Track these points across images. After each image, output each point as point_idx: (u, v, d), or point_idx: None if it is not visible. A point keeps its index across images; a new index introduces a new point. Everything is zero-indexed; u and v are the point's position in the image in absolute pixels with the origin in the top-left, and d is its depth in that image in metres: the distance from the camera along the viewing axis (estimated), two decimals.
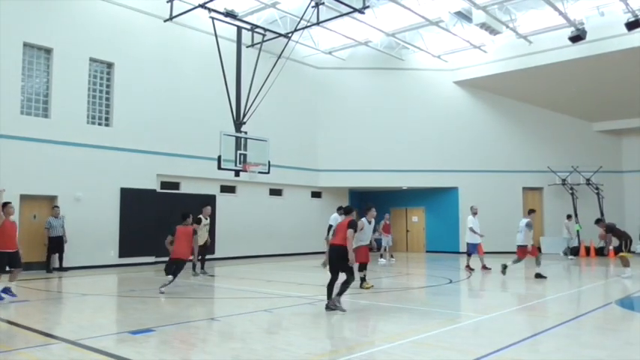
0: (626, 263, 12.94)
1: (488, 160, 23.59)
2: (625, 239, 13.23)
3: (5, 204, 9.60)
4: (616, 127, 23.57)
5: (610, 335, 6.81)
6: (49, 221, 14.67)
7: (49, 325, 7.34)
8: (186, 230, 10.92)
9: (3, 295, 9.30)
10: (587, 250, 21.09)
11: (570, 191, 22.62)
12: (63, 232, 14.78)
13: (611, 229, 13.32)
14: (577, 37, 17.75)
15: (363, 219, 10.89)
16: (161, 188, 18.02)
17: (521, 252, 13.21)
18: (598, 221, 13.68)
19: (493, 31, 17.79)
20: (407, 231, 25.53)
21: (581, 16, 18.49)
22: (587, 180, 22.53)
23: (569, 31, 18.06)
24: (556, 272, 15.47)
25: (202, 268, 13.96)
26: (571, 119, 23.89)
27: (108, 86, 16.78)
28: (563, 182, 22.67)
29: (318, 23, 15.04)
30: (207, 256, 14.26)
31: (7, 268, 9.46)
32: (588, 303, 9.78)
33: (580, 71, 20.62)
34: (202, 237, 13.73)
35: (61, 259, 14.84)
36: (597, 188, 22.42)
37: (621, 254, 13.14)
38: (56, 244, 14.66)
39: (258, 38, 15.91)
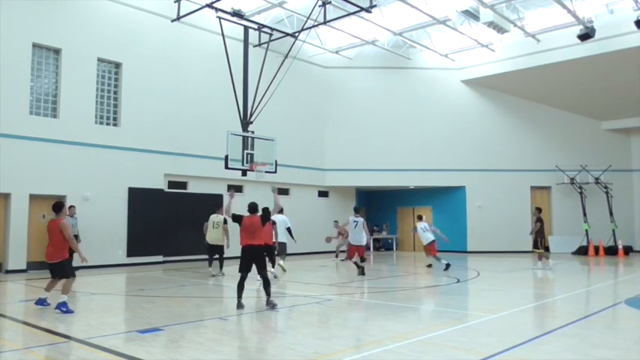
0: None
1: (496, 159, 23.44)
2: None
3: (69, 207, 8.57)
4: (625, 125, 23.34)
5: (620, 335, 6.76)
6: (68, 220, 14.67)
7: (58, 323, 7.39)
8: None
9: (61, 308, 8.07)
10: (597, 249, 20.94)
11: (579, 190, 22.46)
12: (77, 232, 14.83)
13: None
14: (586, 36, 17.59)
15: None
16: (169, 188, 18.10)
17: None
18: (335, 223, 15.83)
19: (501, 30, 17.70)
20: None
21: (590, 14, 18.33)
22: (596, 179, 22.36)
23: (577, 30, 17.91)
24: (564, 271, 15.38)
25: (218, 267, 13.95)
26: (580, 118, 23.70)
27: (116, 86, 16.86)
28: (572, 181, 22.52)
29: (325, 22, 15.04)
30: (215, 256, 14.29)
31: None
32: (598, 302, 9.72)
33: (589, 69, 20.45)
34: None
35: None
36: (606, 187, 22.25)
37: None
38: None
39: (265, 38, 15.92)
